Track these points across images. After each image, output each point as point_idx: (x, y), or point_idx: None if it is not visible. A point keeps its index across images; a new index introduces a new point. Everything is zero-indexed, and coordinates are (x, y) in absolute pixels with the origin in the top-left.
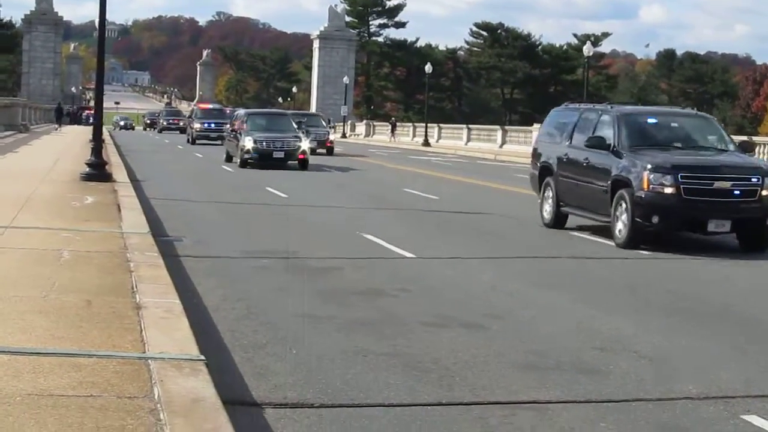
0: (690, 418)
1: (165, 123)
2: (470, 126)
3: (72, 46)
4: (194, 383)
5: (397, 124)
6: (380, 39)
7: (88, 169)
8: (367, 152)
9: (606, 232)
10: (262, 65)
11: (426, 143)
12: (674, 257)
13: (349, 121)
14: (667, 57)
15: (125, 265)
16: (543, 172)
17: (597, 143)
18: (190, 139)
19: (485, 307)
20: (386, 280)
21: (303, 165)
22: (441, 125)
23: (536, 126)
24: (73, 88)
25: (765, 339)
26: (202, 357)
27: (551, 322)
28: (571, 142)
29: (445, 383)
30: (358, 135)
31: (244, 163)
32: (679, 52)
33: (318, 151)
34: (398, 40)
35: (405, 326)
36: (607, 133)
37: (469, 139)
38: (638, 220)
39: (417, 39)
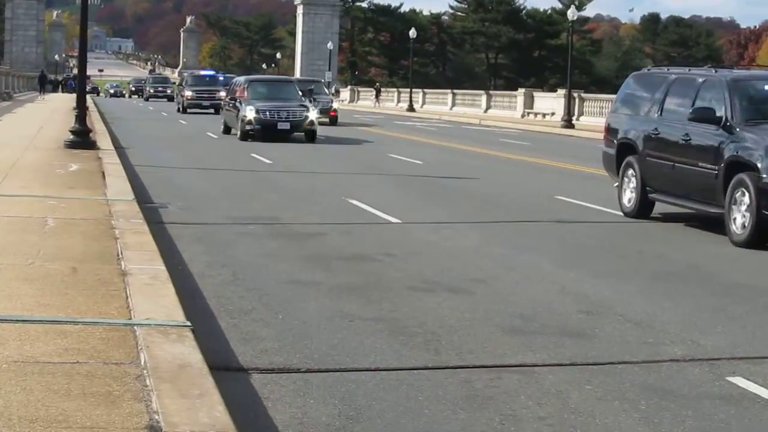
0: (675, 380)
1: (152, 90)
2: (455, 91)
3: (55, 13)
4: (180, 349)
5: (382, 89)
6: (364, 4)
7: (72, 137)
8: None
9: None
10: (246, 31)
11: (411, 108)
12: (665, 224)
13: (334, 87)
14: (652, 21)
15: (110, 232)
16: (622, 151)
17: (705, 116)
18: (181, 108)
19: (470, 271)
20: (371, 246)
21: (311, 137)
22: (425, 90)
23: (521, 90)
24: (56, 56)
25: (744, 300)
26: (188, 323)
27: (536, 286)
28: (661, 114)
29: (431, 347)
30: (342, 101)
31: (245, 136)
32: (663, 16)
33: (321, 120)
34: (382, 5)
35: (391, 291)
36: (715, 103)
37: (453, 104)
38: (766, 212)
39: (401, 4)
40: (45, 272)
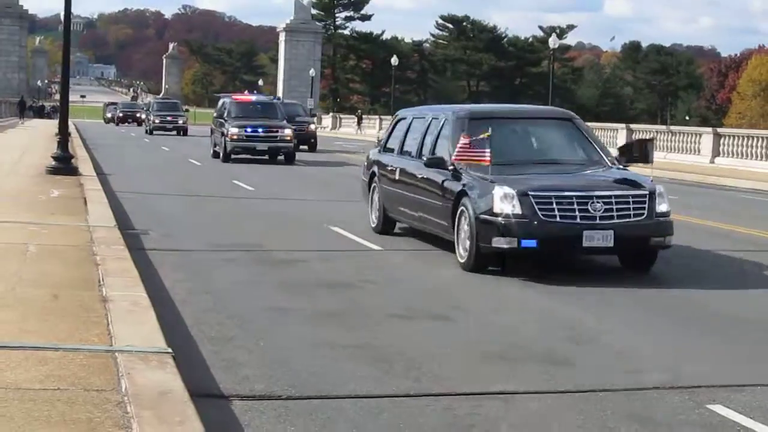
0: (657, 407)
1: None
2: None
3: (37, 39)
4: (161, 376)
5: (364, 116)
6: (346, 31)
7: (54, 163)
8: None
9: None
10: (228, 58)
11: None
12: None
13: (316, 114)
14: (633, 49)
15: (92, 258)
16: None
17: None
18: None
19: (451, 298)
20: (352, 273)
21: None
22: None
23: None
24: (39, 82)
25: (728, 330)
26: (170, 350)
27: (517, 313)
28: None
29: (412, 375)
30: (324, 127)
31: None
32: (644, 45)
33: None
34: (364, 32)
35: (371, 318)
36: None
37: None
38: None
39: (383, 31)
40: (26, 298)
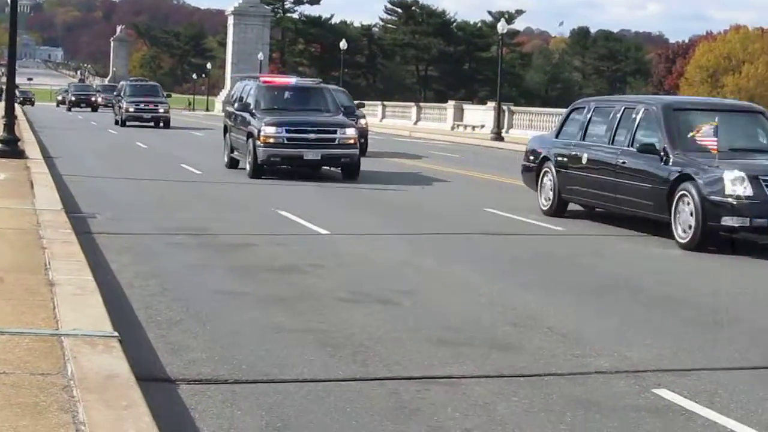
0: (602, 392)
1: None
2: (385, 102)
3: None
4: (108, 360)
5: None
6: (295, 15)
7: (0, 146)
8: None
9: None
10: (176, 41)
11: None
12: (587, 234)
13: (363, 104)
14: (581, 35)
15: (38, 242)
16: None
17: None
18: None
19: (399, 283)
20: (300, 257)
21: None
22: (356, 102)
23: (451, 103)
24: None
25: (672, 313)
26: (116, 333)
27: (465, 297)
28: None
29: (359, 359)
30: None
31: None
32: (592, 30)
33: None
34: (313, 16)
35: (319, 302)
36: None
37: (384, 116)
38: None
39: (332, 15)
40: None
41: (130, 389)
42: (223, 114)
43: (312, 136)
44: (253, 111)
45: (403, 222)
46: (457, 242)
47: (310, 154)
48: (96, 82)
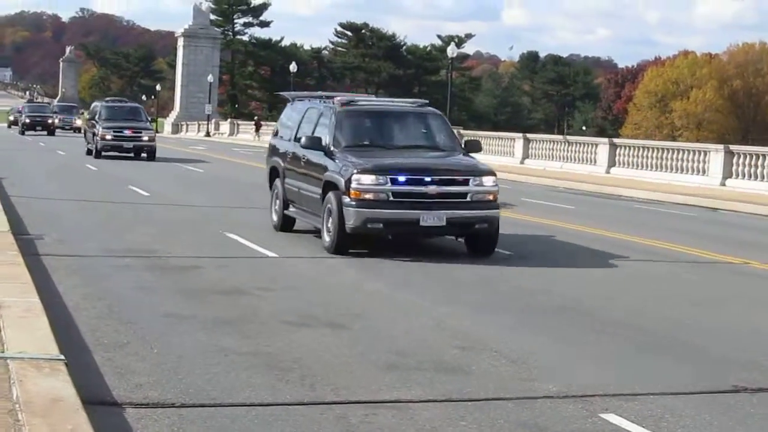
0: (549, 416)
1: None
2: None
3: None
4: (54, 383)
5: (262, 123)
6: (245, 38)
7: None
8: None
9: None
10: (126, 62)
11: None
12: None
13: (214, 120)
14: (530, 59)
15: None
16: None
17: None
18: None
19: (347, 306)
20: (248, 280)
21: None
22: None
23: None
24: None
25: (620, 338)
26: (62, 356)
27: (413, 321)
28: None
29: (306, 383)
30: (222, 134)
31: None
32: (542, 55)
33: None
34: (263, 38)
35: (266, 325)
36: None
37: None
38: None
39: (282, 38)
40: None
41: (76, 413)
42: (267, 149)
43: (432, 189)
44: (332, 150)
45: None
46: (406, 265)
47: (430, 218)
48: (49, 101)
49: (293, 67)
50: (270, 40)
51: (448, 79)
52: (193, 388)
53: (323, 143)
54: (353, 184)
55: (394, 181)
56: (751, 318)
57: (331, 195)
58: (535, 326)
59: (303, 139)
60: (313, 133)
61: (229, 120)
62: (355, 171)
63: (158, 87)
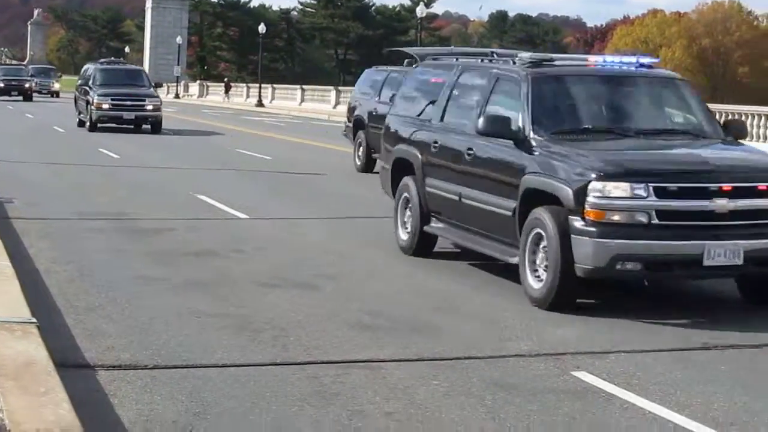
0: (521, 375)
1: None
2: (304, 87)
3: None
4: (25, 346)
5: (231, 84)
6: None
7: None
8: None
9: None
10: (94, 25)
11: (260, 104)
12: None
13: (183, 82)
14: (500, 18)
15: None
16: None
17: None
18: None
19: (318, 267)
20: (219, 242)
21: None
22: (275, 86)
23: None
24: None
25: (594, 299)
26: (34, 319)
27: (384, 282)
28: None
29: (278, 343)
30: (191, 95)
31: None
32: (511, 14)
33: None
34: (231, 0)
35: (238, 287)
36: None
37: (303, 100)
38: None
39: None
40: None
41: (49, 375)
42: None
43: (721, 205)
44: (531, 138)
45: (323, 206)
46: (376, 225)
47: (720, 252)
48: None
49: (262, 28)
50: (238, 1)
51: (418, 40)
52: (165, 349)
53: (515, 127)
54: (591, 198)
55: (660, 193)
56: None
57: (543, 215)
58: (503, 283)
59: (481, 121)
60: (482, 111)
61: (198, 81)
62: (593, 175)
63: (127, 49)
